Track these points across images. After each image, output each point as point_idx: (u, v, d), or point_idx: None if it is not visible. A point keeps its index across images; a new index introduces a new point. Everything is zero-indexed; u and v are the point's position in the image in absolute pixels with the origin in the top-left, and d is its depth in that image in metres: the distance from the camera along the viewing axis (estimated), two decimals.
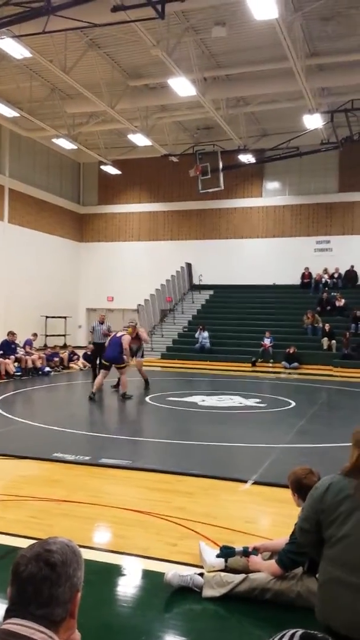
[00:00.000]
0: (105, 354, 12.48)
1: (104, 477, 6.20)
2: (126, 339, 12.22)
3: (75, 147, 23.70)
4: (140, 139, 22.34)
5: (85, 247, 29.88)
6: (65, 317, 27.04)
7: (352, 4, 14.49)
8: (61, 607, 1.38)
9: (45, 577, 1.36)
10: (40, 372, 16.23)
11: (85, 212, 30.01)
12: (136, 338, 13.04)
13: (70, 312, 28.09)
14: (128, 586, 3.77)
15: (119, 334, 12.48)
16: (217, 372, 18.70)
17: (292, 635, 1.24)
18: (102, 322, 14.93)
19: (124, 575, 3.89)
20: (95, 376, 13.77)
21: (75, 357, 19.15)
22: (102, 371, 12.35)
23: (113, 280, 28.81)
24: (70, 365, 18.53)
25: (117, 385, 12.94)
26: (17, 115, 20.32)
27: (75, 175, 30.01)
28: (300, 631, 1.25)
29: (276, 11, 12.53)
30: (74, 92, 19.91)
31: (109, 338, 12.74)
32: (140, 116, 21.29)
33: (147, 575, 3.85)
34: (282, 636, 1.25)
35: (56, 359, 18.01)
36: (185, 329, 23.90)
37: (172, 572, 3.55)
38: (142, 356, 13.82)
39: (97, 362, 14.07)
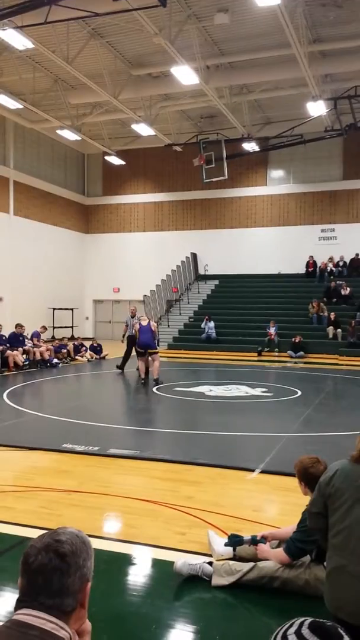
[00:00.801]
0: (139, 342, 13.06)
1: (113, 467, 6.25)
2: (154, 325, 13.10)
3: (79, 138, 23.64)
4: (143, 129, 22.25)
5: (90, 239, 29.88)
6: (72, 309, 27.10)
7: None
8: (71, 597, 1.39)
9: (55, 568, 1.38)
10: (48, 364, 16.28)
11: (90, 203, 29.98)
12: None
13: (77, 304, 28.16)
14: (138, 575, 3.81)
15: (144, 323, 13.07)
16: (223, 362, 18.70)
17: (301, 624, 1.25)
18: (133, 316, 15.50)
19: (133, 564, 3.93)
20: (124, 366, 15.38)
21: (83, 348, 19.18)
22: (139, 358, 12.99)
23: (119, 271, 28.82)
24: (77, 357, 18.56)
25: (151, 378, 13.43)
26: (21, 106, 20.27)
27: (79, 166, 29.96)
28: (309, 620, 1.26)
29: None
30: (77, 83, 19.84)
31: (138, 327, 13.29)
32: (144, 105, 21.20)
33: (157, 564, 3.89)
34: (291, 625, 1.26)
35: (64, 351, 18.06)
36: (191, 319, 23.90)
37: (182, 561, 3.58)
38: (157, 346, 14.06)
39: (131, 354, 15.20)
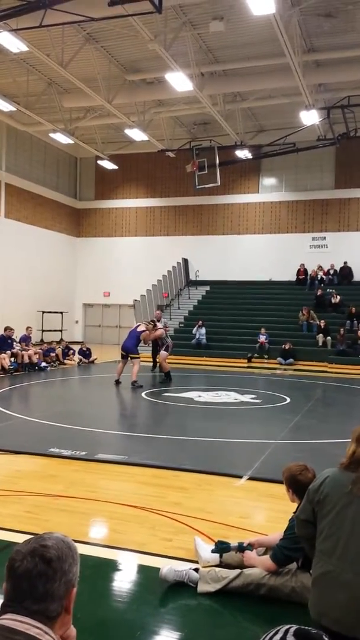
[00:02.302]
0: (122, 345, 13.66)
1: (100, 472, 6.21)
2: (145, 334, 13.48)
3: (72, 142, 23.64)
4: (137, 134, 22.29)
5: (82, 242, 29.85)
6: (61, 313, 27.01)
7: (349, 0, 14.46)
8: (57, 602, 1.38)
9: (41, 573, 1.37)
10: (36, 368, 16.20)
11: (82, 207, 29.95)
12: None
13: (67, 308, 28.08)
14: (123, 581, 3.79)
15: (139, 328, 13.66)
16: (213, 368, 18.71)
17: (286, 631, 1.25)
18: (159, 320, 16.09)
19: (119, 570, 3.91)
20: (155, 367, 16.38)
21: (71, 352, 19.11)
22: (121, 360, 13.53)
23: (110, 275, 28.80)
24: (66, 360, 18.47)
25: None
26: (14, 109, 20.26)
27: (72, 170, 29.95)
28: (294, 627, 1.26)
29: (274, 7, 12.51)
30: (71, 87, 19.85)
31: (130, 330, 13.96)
32: (137, 111, 21.25)
33: (143, 570, 3.87)
34: (276, 632, 1.26)
35: (52, 354, 17.98)
36: (182, 325, 23.88)
37: (168, 568, 3.57)
38: (167, 350, 14.15)
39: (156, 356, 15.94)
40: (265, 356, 20.62)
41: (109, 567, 3.90)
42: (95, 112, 21.78)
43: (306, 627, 1.26)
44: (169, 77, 16.70)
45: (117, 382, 13.29)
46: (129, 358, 13.35)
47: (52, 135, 22.86)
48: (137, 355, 13.39)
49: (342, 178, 25.56)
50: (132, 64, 18.59)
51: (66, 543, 1.45)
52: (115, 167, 27.15)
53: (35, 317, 24.96)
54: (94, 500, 5.22)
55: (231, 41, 16.70)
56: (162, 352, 14.13)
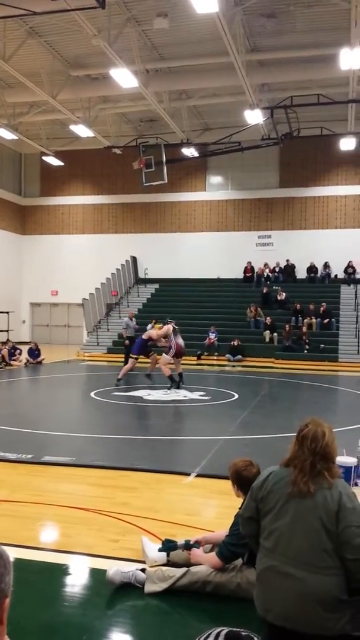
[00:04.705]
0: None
1: (47, 475, 6.11)
2: (151, 333, 13.86)
3: (16, 138, 23.13)
4: (82, 130, 22.03)
5: (27, 240, 29.28)
6: (7, 312, 26.41)
7: (291, 1, 14.71)
8: None
9: None
10: None
11: (27, 203, 29.39)
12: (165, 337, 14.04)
13: (13, 307, 27.47)
14: (70, 585, 3.72)
15: (145, 335, 13.98)
16: None
17: (218, 635, 1.25)
18: (131, 319, 17.13)
19: (66, 574, 3.84)
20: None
21: (18, 351, 18.72)
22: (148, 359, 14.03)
23: (57, 274, 28.38)
24: (12, 361, 18.09)
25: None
26: None
27: (16, 166, 29.32)
28: (225, 630, 1.26)
29: (217, 5, 12.57)
30: (14, 81, 19.40)
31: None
32: (82, 107, 21.00)
33: (90, 573, 3.82)
34: (208, 635, 1.26)
35: None
36: None
37: (114, 569, 3.53)
38: (168, 353, 13.46)
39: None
40: (216, 354, 20.80)
41: (55, 571, 3.83)
42: (39, 107, 21.39)
43: (237, 629, 1.26)
44: (113, 73, 16.57)
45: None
46: (129, 357, 14.00)
47: None
48: (135, 356, 13.66)
49: (286, 177, 26.01)
50: (77, 59, 18.35)
51: None
52: (61, 163, 26.74)
53: None
54: (40, 504, 5.12)
55: (176, 38, 16.71)
56: (164, 356, 13.42)
